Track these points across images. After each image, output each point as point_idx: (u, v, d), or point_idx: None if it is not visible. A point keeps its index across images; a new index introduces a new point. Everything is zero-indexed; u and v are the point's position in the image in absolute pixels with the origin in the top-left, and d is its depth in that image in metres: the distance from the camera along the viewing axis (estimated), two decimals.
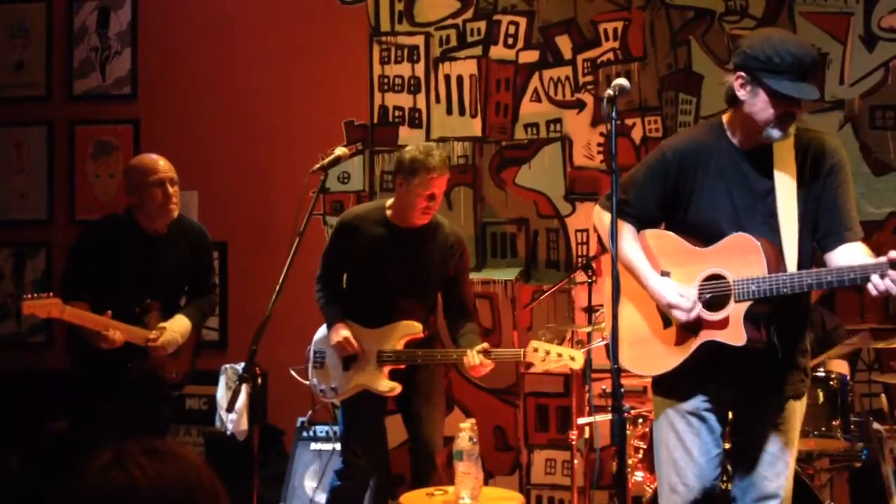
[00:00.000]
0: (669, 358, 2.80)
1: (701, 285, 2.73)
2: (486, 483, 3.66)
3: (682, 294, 2.72)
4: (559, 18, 5.15)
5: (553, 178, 5.13)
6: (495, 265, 5.17)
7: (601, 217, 2.93)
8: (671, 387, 2.85)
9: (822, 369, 3.95)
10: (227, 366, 4.84)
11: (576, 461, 4.39)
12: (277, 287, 3.23)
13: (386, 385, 3.82)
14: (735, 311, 2.65)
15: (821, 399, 3.82)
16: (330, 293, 3.95)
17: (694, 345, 2.74)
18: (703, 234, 2.75)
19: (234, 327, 5.38)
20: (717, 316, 2.69)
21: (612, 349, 2.48)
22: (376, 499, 4.52)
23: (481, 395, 5.14)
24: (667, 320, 2.82)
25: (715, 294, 2.70)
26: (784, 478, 2.80)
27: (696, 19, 4.99)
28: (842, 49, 4.83)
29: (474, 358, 3.67)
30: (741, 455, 2.87)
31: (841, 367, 4.29)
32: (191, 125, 5.49)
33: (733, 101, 2.70)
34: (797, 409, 2.84)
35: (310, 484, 4.65)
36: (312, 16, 5.45)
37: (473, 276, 5.02)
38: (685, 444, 2.80)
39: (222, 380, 4.83)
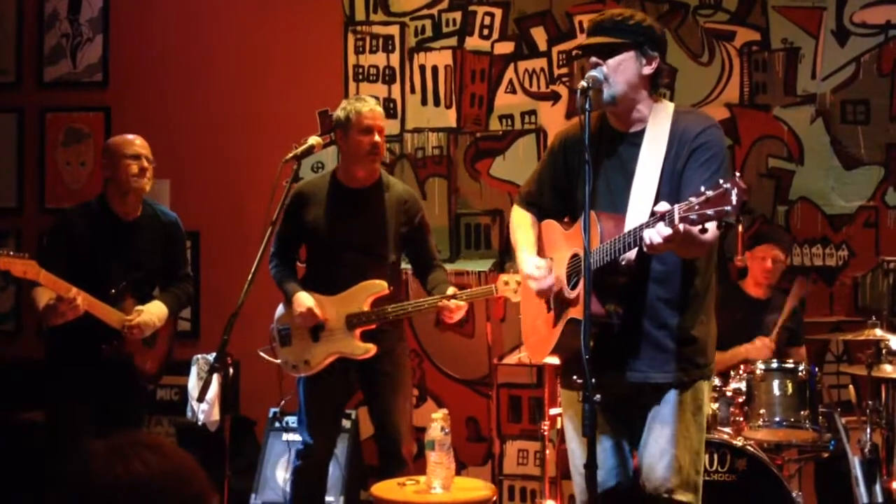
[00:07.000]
0: (548, 341, 2.82)
1: (569, 266, 2.77)
2: (458, 473, 3.67)
3: (537, 266, 2.82)
4: (534, 10, 5.15)
5: (527, 170, 5.02)
6: (469, 256, 5.17)
7: (513, 211, 3.11)
8: (564, 376, 2.94)
9: (790, 361, 4.00)
10: (199, 356, 4.81)
11: (548, 452, 4.40)
12: (249, 277, 3.21)
13: (361, 348, 3.76)
14: (582, 286, 2.59)
15: (790, 390, 3.87)
16: (285, 268, 3.91)
17: (561, 324, 2.74)
18: None
19: (207, 317, 5.35)
20: (573, 293, 2.71)
21: (584, 340, 2.45)
22: (348, 489, 4.53)
23: (454, 385, 5.15)
24: (549, 304, 2.87)
25: (577, 272, 2.71)
26: (673, 471, 2.70)
27: (671, 12, 5.01)
28: (814, 43, 4.87)
29: (445, 301, 3.72)
30: (639, 447, 2.79)
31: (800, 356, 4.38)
32: (163, 113, 5.44)
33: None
34: (687, 400, 2.73)
35: (282, 474, 4.64)
36: (287, 4, 5.42)
37: (448, 267, 5.04)
38: (580, 433, 2.75)
39: (194, 370, 4.80)
